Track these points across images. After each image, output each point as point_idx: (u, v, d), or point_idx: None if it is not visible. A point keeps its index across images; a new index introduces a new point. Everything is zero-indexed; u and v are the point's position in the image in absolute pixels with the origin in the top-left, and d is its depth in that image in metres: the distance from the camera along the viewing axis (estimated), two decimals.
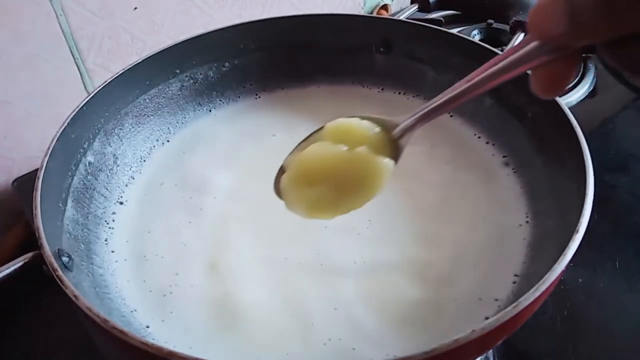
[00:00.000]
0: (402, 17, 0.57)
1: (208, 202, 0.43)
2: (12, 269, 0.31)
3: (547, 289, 0.27)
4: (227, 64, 0.51)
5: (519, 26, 0.54)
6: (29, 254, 0.31)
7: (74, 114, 0.39)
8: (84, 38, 0.54)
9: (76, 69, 0.55)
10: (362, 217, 0.41)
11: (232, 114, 0.51)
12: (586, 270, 0.44)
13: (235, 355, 0.33)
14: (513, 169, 0.43)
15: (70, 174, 0.39)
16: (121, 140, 0.45)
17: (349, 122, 0.30)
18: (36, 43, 0.51)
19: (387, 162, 0.28)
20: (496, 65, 0.24)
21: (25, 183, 0.54)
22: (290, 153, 0.31)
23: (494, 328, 0.25)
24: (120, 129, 0.45)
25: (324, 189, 0.28)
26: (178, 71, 0.49)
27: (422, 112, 0.27)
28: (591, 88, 0.64)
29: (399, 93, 0.52)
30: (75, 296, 0.27)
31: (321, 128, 0.31)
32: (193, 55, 0.49)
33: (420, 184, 0.43)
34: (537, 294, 0.26)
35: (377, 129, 0.29)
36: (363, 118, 0.30)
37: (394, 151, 0.29)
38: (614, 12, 0.17)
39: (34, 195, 0.32)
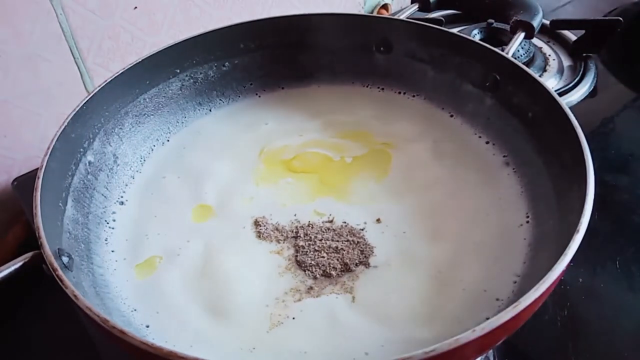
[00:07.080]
0: (403, 16, 0.56)
1: (210, 189, 0.43)
2: (12, 268, 0.31)
3: (547, 288, 0.27)
4: (227, 63, 0.51)
5: (520, 26, 0.54)
6: (29, 254, 0.31)
7: (74, 113, 0.39)
8: (84, 37, 0.54)
9: (76, 68, 0.55)
10: (362, 213, 0.41)
11: (232, 113, 0.51)
12: (586, 270, 0.44)
13: (236, 354, 0.33)
14: (513, 169, 0.43)
15: (70, 173, 0.39)
16: (121, 140, 0.45)
17: None
18: (36, 42, 0.51)
19: None
20: None
21: (25, 182, 0.54)
22: None
23: (495, 328, 0.25)
24: (121, 128, 0.45)
25: None
26: (178, 71, 0.49)
27: None
28: (591, 88, 0.64)
29: (400, 92, 0.52)
30: (75, 296, 0.27)
31: None
32: (193, 54, 0.49)
33: (420, 184, 0.43)
34: (538, 293, 0.26)
35: None
36: None
37: None
38: None
39: (34, 194, 0.32)
